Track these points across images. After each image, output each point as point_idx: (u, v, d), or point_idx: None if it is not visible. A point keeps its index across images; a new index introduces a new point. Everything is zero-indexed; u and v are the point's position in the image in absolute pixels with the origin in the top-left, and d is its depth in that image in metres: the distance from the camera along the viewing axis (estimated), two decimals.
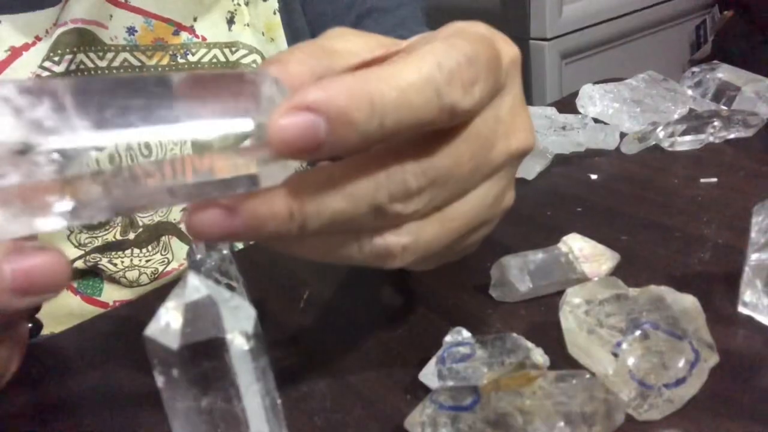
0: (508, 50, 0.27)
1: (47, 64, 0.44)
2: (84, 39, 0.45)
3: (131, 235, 0.49)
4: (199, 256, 0.34)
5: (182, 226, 0.52)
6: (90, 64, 0.46)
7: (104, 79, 0.20)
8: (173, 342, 0.18)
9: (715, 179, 0.47)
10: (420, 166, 0.24)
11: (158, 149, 0.22)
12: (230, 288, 0.33)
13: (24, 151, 0.18)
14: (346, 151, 0.22)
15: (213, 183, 0.22)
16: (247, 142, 0.22)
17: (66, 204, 0.19)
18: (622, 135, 0.55)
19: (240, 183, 0.22)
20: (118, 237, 0.48)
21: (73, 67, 0.45)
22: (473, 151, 0.25)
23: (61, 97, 0.19)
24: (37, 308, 0.39)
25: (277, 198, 0.23)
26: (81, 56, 0.45)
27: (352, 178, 0.23)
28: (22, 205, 0.18)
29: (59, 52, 0.44)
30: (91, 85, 0.19)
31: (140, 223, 0.50)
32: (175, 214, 0.51)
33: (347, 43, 0.28)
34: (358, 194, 0.23)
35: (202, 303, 0.19)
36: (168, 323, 0.18)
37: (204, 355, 0.19)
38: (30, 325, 0.37)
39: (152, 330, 0.18)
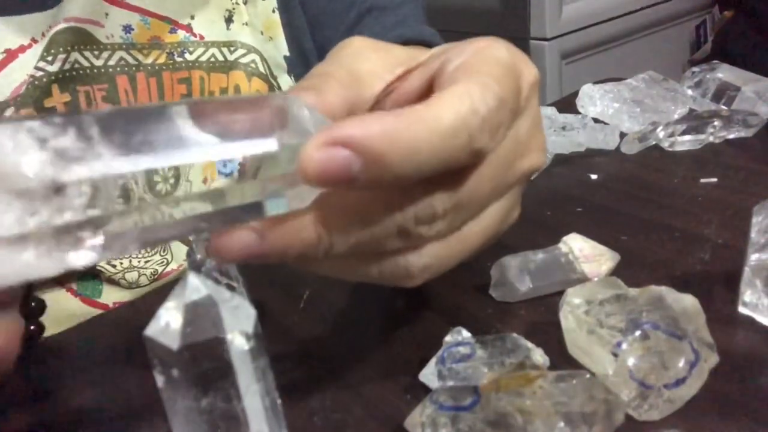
0: (529, 73, 0.27)
1: (41, 64, 0.43)
2: (79, 38, 0.45)
3: None
4: (199, 256, 0.34)
5: None
6: (85, 63, 0.46)
7: (128, 109, 0.20)
8: (173, 342, 0.18)
9: (715, 179, 0.47)
10: (446, 190, 0.24)
11: (186, 174, 0.22)
12: (230, 288, 0.33)
13: (54, 186, 0.18)
14: (375, 187, 0.22)
15: (243, 207, 0.22)
16: (275, 169, 0.22)
17: (97, 237, 0.19)
18: (622, 135, 0.55)
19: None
20: None
21: (67, 66, 0.45)
22: (494, 172, 0.25)
23: (86, 128, 0.19)
24: (41, 310, 0.38)
25: (304, 223, 0.23)
26: (75, 55, 0.45)
27: (381, 204, 0.23)
28: (54, 241, 0.18)
29: (53, 51, 0.44)
30: (114, 115, 0.20)
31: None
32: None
33: (368, 62, 0.28)
34: (385, 220, 0.24)
35: (202, 303, 0.19)
36: (168, 323, 0.18)
37: (204, 355, 0.19)
38: (33, 327, 0.37)
39: (152, 330, 0.18)
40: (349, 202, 0.23)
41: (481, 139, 0.23)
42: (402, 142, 0.21)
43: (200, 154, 0.20)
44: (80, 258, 0.19)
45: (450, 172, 0.24)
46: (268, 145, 0.22)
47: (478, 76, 0.24)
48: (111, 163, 0.19)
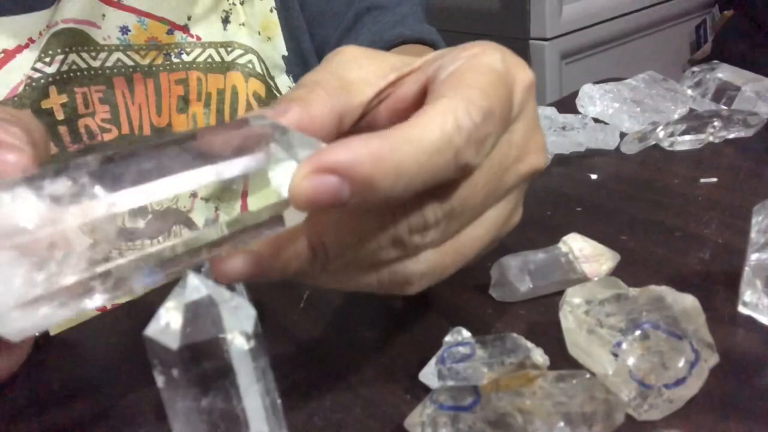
0: (523, 77, 0.27)
1: (38, 65, 0.43)
2: (76, 39, 0.45)
3: None
4: None
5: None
6: (82, 65, 0.46)
7: (117, 151, 0.20)
8: (173, 342, 0.18)
9: (715, 179, 0.47)
10: (438, 199, 0.24)
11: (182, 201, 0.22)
12: (230, 288, 0.33)
13: (55, 235, 0.18)
14: (366, 207, 0.23)
15: (244, 230, 0.22)
16: (263, 185, 0.22)
17: (107, 281, 0.19)
18: (622, 135, 0.55)
19: (268, 226, 0.23)
20: None
21: (65, 67, 0.45)
22: (487, 178, 0.25)
23: (78, 173, 0.19)
24: None
25: (300, 242, 0.23)
26: (73, 56, 0.45)
27: (373, 218, 0.24)
28: (68, 294, 0.19)
29: (50, 52, 0.44)
30: (104, 157, 0.20)
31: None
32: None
33: (360, 69, 0.28)
34: (379, 233, 0.24)
35: (202, 303, 0.19)
36: (168, 323, 0.18)
37: (204, 355, 0.19)
38: (37, 334, 0.37)
39: (152, 330, 0.18)
40: (342, 219, 0.24)
41: (467, 155, 0.23)
42: (389, 164, 0.21)
43: (193, 180, 0.20)
44: (94, 302, 0.19)
45: (439, 185, 0.24)
46: (256, 161, 0.22)
47: (464, 89, 0.24)
48: (107, 203, 0.19)
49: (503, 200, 0.27)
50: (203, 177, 0.21)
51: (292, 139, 0.23)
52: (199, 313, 0.19)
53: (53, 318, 0.19)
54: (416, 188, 0.23)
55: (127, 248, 0.20)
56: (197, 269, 0.25)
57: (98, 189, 0.19)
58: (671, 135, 0.53)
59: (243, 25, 0.53)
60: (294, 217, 0.23)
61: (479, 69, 0.25)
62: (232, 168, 0.21)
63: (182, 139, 0.21)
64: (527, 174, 0.28)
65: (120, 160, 0.20)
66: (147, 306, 0.41)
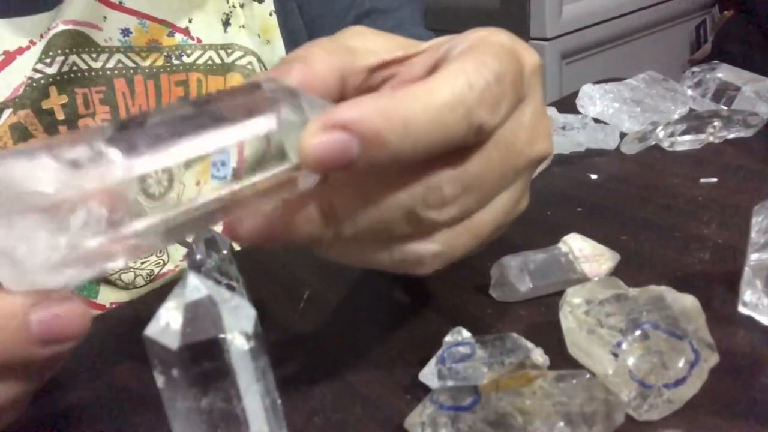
0: (530, 59, 0.27)
1: (39, 66, 0.44)
2: (77, 40, 0.45)
3: None
4: (199, 256, 0.34)
5: None
6: (83, 66, 0.46)
7: (132, 121, 0.21)
8: (173, 342, 0.18)
9: (715, 179, 0.47)
10: (455, 173, 0.24)
11: (179, 177, 0.22)
12: (230, 288, 0.33)
13: (75, 199, 0.18)
14: (377, 168, 0.23)
15: (257, 195, 0.23)
16: (272, 163, 0.23)
17: (127, 241, 0.20)
18: (622, 135, 0.55)
19: (282, 190, 0.23)
20: None
21: (65, 68, 0.45)
22: (502, 157, 0.25)
23: (95, 139, 0.19)
24: None
25: (311, 205, 0.23)
26: (73, 57, 0.45)
27: (388, 186, 0.24)
28: (91, 255, 0.19)
29: (51, 53, 0.44)
30: (119, 124, 0.20)
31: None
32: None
33: (366, 41, 0.28)
34: (393, 202, 0.24)
35: (202, 303, 0.19)
36: (168, 323, 0.18)
37: (204, 355, 0.19)
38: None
39: (152, 330, 0.18)
40: (354, 183, 0.24)
41: (480, 114, 0.23)
42: (397, 119, 0.21)
43: (207, 143, 0.21)
44: (117, 263, 0.20)
45: (455, 152, 0.24)
46: (268, 123, 0.22)
47: (476, 55, 0.24)
48: (124, 167, 0.19)
49: (513, 184, 0.27)
50: (217, 140, 0.21)
51: (303, 102, 0.23)
52: (199, 313, 0.19)
53: (80, 278, 0.19)
54: (426, 147, 0.22)
55: (144, 210, 0.20)
56: (197, 266, 0.25)
57: (115, 154, 0.19)
58: (671, 135, 0.53)
59: (243, 27, 0.53)
60: (307, 181, 0.23)
61: (489, 43, 0.25)
62: (244, 130, 0.21)
63: (196, 103, 0.22)
64: (536, 158, 0.28)
65: (135, 126, 0.20)
66: (146, 306, 0.42)
